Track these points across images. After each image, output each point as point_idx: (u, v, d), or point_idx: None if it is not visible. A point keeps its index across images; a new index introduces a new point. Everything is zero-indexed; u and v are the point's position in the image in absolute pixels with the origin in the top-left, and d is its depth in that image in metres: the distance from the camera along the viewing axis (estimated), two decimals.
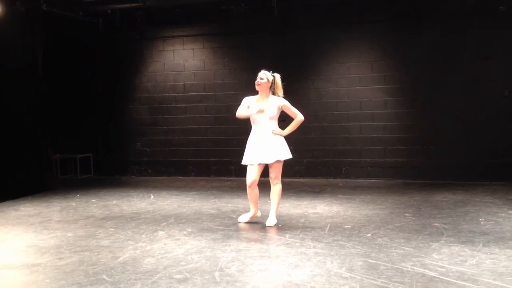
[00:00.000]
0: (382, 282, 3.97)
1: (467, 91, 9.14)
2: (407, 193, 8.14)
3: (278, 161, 5.93)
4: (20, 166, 8.74)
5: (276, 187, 6.02)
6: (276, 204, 6.10)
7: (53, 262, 4.76)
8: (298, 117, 6.11)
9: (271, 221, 6.04)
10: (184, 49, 10.74)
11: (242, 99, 6.20)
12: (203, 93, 10.55)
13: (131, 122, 11.14)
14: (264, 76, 5.99)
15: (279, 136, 5.99)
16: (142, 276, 4.25)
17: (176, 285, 4.03)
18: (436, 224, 5.91)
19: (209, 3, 10.03)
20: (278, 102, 6.00)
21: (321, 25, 9.81)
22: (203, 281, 4.12)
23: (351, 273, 4.21)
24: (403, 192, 8.26)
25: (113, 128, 11.28)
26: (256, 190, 6.06)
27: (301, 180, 9.89)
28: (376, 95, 9.67)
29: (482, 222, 5.94)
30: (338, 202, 7.51)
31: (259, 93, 6.04)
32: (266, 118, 5.95)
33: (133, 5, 9.78)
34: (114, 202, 7.96)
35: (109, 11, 10.02)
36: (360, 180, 9.66)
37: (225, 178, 10.41)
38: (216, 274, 4.28)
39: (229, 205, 7.49)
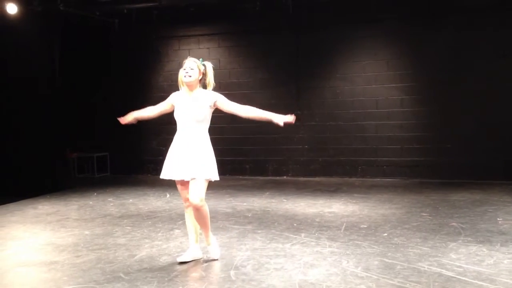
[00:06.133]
0: (398, 282, 3.95)
1: (484, 89, 9.03)
2: (423, 192, 8.08)
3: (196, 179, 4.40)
4: (38, 165, 8.84)
5: (199, 212, 4.44)
6: (208, 228, 4.59)
7: (70, 260, 4.81)
8: (245, 107, 4.58)
9: (218, 251, 4.73)
10: (199, 48, 10.77)
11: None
12: (218, 92, 10.53)
13: (147, 121, 11.16)
14: (195, 65, 4.58)
15: (207, 148, 4.49)
16: (158, 274, 4.28)
17: (192, 283, 4.04)
18: (454, 223, 5.85)
19: (224, 2, 10.05)
20: (210, 99, 4.55)
21: (336, 23, 9.77)
22: (218, 279, 4.13)
23: (367, 272, 4.19)
24: (420, 191, 8.20)
25: (130, 127, 11.31)
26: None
27: (317, 179, 9.87)
28: (392, 94, 9.61)
29: (500, 222, 5.87)
30: (354, 201, 7.47)
31: (187, 87, 4.59)
32: (192, 121, 4.47)
33: (149, 4, 9.84)
34: (131, 200, 8.02)
35: (125, 11, 10.08)
36: (376, 179, 9.60)
37: (240, 177, 10.42)
38: (232, 272, 4.28)
39: (244, 204, 7.49)
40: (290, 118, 4.35)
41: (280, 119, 4.36)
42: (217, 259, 4.66)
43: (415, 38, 9.47)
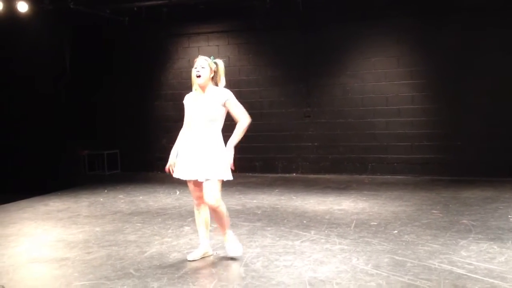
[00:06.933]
0: (409, 279, 3.94)
1: (495, 86, 8.95)
2: (434, 189, 8.03)
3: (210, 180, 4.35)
4: (49, 162, 8.90)
5: (215, 212, 4.43)
6: (225, 227, 4.57)
7: (81, 256, 4.84)
8: (241, 121, 4.48)
9: (237, 249, 4.62)
10: (209, 45, 10.78)
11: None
12: (227, 89, 10.56)
13: (157, 118, 11.24)
14: (206, 63, 4.52)
15: (220, 148, 4.45)
16: (168, 271, 4.30)
17: (201, 280, 4.06)
18: (464, 221, 5.82)
19: (233, 0, 10.05)
20: (221, 97, 4.47)
21: (346, 20, 9.73)
22: (228, 276, 4.14)
23: (377, 269, 4.18)
24: (430, 188, 8.16)
25: (140, 124, 11.39)
26: (204, 211, 4.62)
27: (327, 176, 9.85)
28: (402, 90, 9.56)
29: (511, 219, 5.84)
30: (364, 198, 7.45)
31: (198, 86, 4.55)
32: (205, 120, 4.41)
33: (159, 2, 9.87)
34: (141, 197, 8.05)
35: (135, 9, 10.12)
36: (386, 177, 9.56)
37: (250, 174, 10.42)
38: (241, 269, 4.29)
39: (254, 201, 7.50)
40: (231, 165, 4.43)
41: (229, 156, 4.40)
42: (239, 256, 4.57)
43: (426, 35, 9.40)
